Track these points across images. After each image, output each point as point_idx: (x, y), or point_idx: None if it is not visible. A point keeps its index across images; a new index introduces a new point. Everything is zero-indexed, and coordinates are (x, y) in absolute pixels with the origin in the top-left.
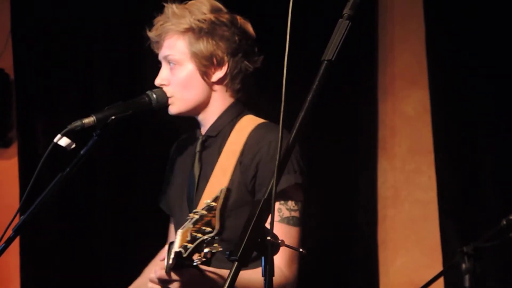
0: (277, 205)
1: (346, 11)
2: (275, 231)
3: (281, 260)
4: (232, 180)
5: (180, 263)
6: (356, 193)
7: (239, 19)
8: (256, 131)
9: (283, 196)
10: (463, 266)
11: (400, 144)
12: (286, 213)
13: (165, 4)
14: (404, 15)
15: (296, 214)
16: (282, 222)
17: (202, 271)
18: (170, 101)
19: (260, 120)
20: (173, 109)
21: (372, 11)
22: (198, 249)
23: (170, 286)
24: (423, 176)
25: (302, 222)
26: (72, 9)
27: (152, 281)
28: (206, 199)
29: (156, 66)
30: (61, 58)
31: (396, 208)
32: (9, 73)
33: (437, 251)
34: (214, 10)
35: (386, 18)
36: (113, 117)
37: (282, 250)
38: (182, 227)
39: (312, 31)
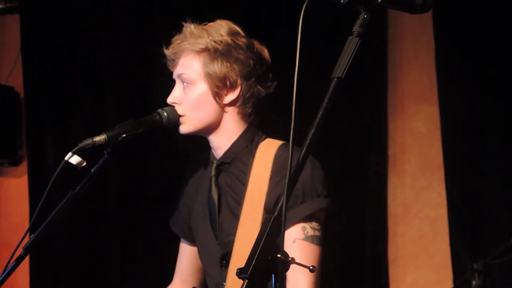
0: (302, 223)
1: (356, 28)
2: (298, 248)
3: (308, 283)
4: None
5: None
6: (366, 210)
7: (256, 44)
8: (278, 159)
9: (309, 216)
10: (473, 283)
11: (410, 160)
12: (311, 232)
13: (184, 24)
14: (413, 31)
15: (318, 233)
16: (306, 240)
17: None
18: (181, 120)
19: (278, 143)
20: (184, 128)
21: (382, 28)
22: None
23: None
24: (433, 193)
25: (324, 241)
26: (82, 27)
27: None
28: (241, 235)
29: (165, 84)
30: (71, 76)
31: (406, 225)
32: (19, 92)
33: (447, 268)
34: (231, 33)
35: (395, 34)
36: (124, 135)
37: (307, 274)
38: None
39: (322, 49)
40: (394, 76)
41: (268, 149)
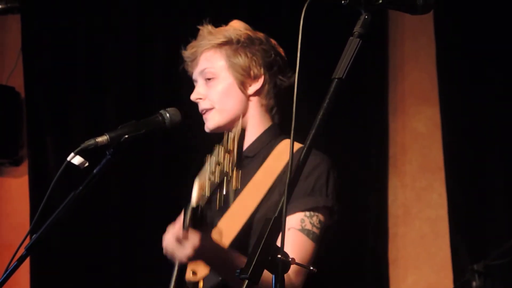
0: (302, 215)
1: (357, 29)
2: (291, 237)
3: (291, 267)
4: (266, 198)
5: (199, 222)
6: (367, 211)
7: (273, 41)
8: (296, 155)
9: (311, 210)
10: (474, 284)
11: (411, 161)
12: (308, 226)
13: (199, 27)
14: (414, 32)
15: (316, 231)
16: (302, 232)
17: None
18: (207, 115)
19: (298, 145)
20: (211, 123)
21: (383, 28)
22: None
23: (184, 248)
24: (434, 194)
25: (320, 241)
26: (82, 27)
27: (168, 239)
28: (232, 212)
29: (164, 85)
30: (72, 77)
31: (407, 225)
32: (19, 92)
33: (448, 269)
34: (248, 29)
35: (396, 35)
36: (126, 136)
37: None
38: (198, 179)
39: (323, 49)
40: (395, 76)
41: (287, 148)
